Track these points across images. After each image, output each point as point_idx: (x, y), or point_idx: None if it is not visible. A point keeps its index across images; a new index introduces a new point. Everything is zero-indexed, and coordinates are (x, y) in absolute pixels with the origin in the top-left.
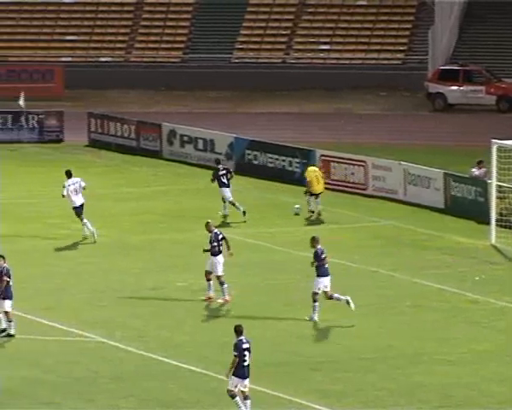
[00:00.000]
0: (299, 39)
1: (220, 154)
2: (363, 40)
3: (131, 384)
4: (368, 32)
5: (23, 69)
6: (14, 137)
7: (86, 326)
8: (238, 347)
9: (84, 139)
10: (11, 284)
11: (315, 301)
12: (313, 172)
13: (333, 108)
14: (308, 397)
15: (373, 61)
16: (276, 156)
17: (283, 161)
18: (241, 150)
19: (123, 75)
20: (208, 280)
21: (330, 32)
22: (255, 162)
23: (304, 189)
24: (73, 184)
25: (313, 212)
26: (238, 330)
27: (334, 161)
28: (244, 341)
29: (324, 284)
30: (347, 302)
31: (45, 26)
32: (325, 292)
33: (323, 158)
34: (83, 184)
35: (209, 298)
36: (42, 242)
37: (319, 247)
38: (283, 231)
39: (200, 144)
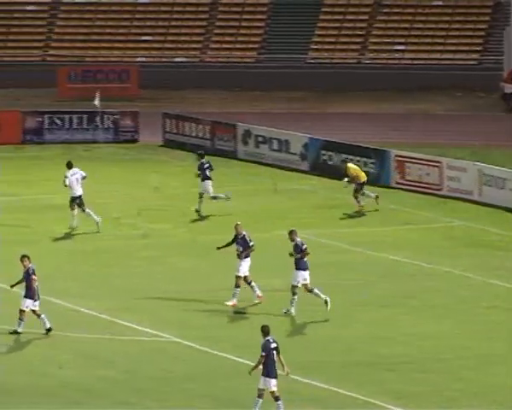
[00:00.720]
0: (374, 40)
1: (295, 154)
2: (438, 40)
3: (206, 384)
4: (443, 33)
5: (99, 69)
6: (90, 137)
7: (161, 326)
8: (266, 347)
9: (158, 139)
10: (37, 283)
11: (294, 294)
12: (356, 167)
13: (407, 109)
14: (382, 398)
15: (448, 62)
16: (351, 157)
17: (358, 161)
18: (316, 151)
19: (197, 75)
20: (249, 283)
21: (405, 33)
22: (330, 163)
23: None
24: (74, 174)
25: (377, 197)
26: (265, 331)
27: (408, 162)
28: (271, 340)
29: (304, 277)
30: (325, 302)
31: (121, 27)
32: (305, 285)
33: (398, 158)
34: (83, 174)
35: (259, 296)
36: (116, 241)
37: (298, 239)
38: (356, 232)
39: (275, 145)
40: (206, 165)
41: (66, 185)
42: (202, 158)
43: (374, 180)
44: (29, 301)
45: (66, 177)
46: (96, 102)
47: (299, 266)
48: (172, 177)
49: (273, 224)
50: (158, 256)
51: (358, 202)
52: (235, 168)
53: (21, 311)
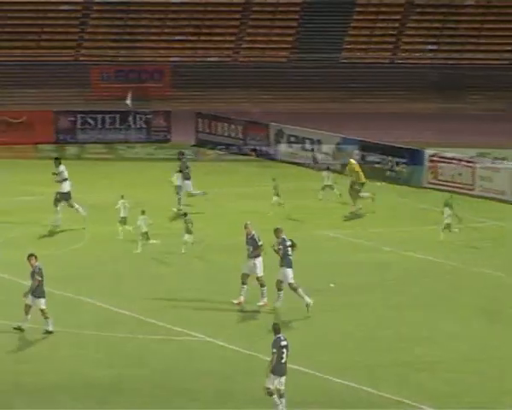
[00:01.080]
0: (407, 39)
1: (327, 154)
2: (470, 40)
3: (239, 383)
4: (475, 32)
5: (131, 69)
6: (122, 137)
7: (193, 326)
8: (277, 344)
9: (191, 139)
10: (43, 282)
11: (295, 289)
12: (357, 166)
13: (440, 109)
14: (416, 398)
15: (481, 62)
16: (384, 156)
17: (390, 161)
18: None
19: (230, 75)
20: (243, 283)
21: (438, 32)
22: (361, 162)
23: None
24: (64, 170)
25: (374, 196)
26: (276, 329)
27: (441, 162)
28: (282, 338)
29: (291, 274)
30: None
31: (153, 26)
32: (280, 282)
33: (431, 158)
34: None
35: (239, 302)
36: (145, 242)
37: (283, 236)
38: (389, 231)
39: (308, 144)
40: (188, 164)
41: (66, 178)
42: (184, 157)
43: (407, 180)
44: (42, 300)
45: (61, 171)
46: (128, 101)
47: (287, 263)
48: (204, 177)
49: (302, 223)
50: (186, 256)
51: (354, 204)
52: (267, 168)
53: (42, 311)
